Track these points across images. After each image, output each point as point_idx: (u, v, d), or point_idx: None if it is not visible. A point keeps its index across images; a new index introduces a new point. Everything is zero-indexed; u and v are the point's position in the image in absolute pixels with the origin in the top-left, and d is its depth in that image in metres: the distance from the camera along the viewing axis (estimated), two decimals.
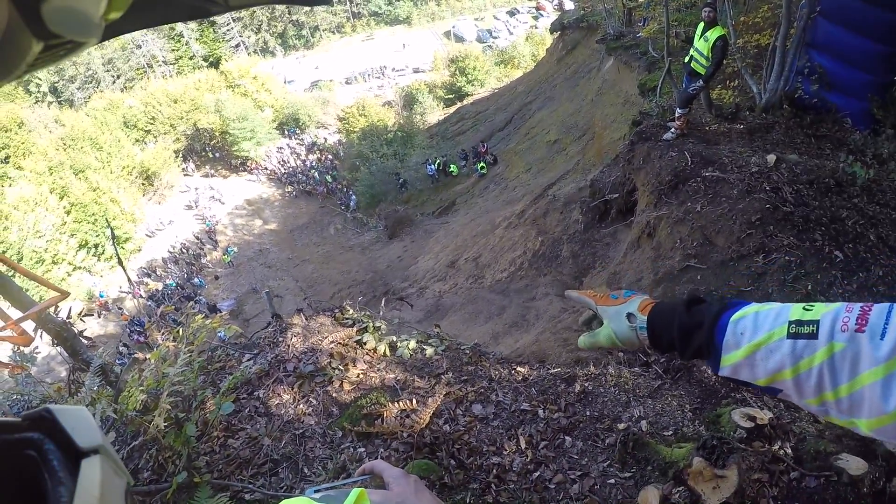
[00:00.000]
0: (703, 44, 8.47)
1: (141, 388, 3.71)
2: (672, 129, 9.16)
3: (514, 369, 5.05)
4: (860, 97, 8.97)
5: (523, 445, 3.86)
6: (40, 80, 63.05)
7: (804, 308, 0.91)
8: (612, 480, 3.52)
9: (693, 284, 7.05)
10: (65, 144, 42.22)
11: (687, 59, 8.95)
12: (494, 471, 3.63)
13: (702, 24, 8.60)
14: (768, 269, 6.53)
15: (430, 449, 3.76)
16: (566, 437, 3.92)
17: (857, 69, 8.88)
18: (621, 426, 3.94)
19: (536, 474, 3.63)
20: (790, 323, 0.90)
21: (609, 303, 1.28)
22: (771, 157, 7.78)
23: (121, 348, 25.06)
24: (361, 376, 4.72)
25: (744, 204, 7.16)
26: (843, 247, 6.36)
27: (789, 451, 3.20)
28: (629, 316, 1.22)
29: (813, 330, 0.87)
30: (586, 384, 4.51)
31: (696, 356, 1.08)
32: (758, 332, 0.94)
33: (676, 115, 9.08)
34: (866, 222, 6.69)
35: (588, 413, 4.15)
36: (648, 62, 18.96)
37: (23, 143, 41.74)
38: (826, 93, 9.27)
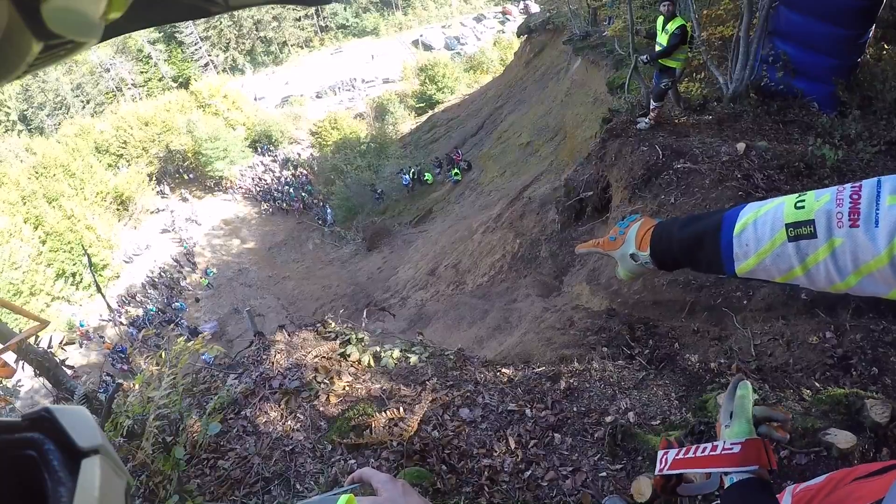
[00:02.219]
0: (665, 37, 8.57)
1: (126, 413, 3.68)
2: (646, 119, 9.25)
3: (500, 371, 5.06)
4: (825, 81, 9.11)
5: (513, 445, 3.87)
6: (9, 108, 62.42)
7: (796, 205, 0.94)
8: (604, 473, 3.54)
9: (672, 276, 7.11)
10: (37, 173, 41.78)
11: None
12: (486, 473, 3.63)
13: (661, 18, 8.70)
14: None
15: (421, 456, 3.76)
16: (555, 435, 3.93)
17: (820, 54, 9.01)
18: (609, 419, 3.97)
19: (528, 473, 3.64)
20: (787, 226, 0.93)
21: (611, 246, 1.37)
22: (741, 146, 7.88)
23: (104, 377, 24.78)
24: (347, 388, 4.71)
25: (716, 193, 7.24)
26: None
27: None
28: (632, 256, 1.29)
29: (811, 230, 0.90)
30: (571, 380, 4.53)
31: (710, 271, 1.12)
32: (761, 241, 0.98)
33: (651, 107, 9.18)
34: None
35: (575, 409, 4.18)
36: (616, 60, 19.07)
37: None
38: (791, 79, 9.40)
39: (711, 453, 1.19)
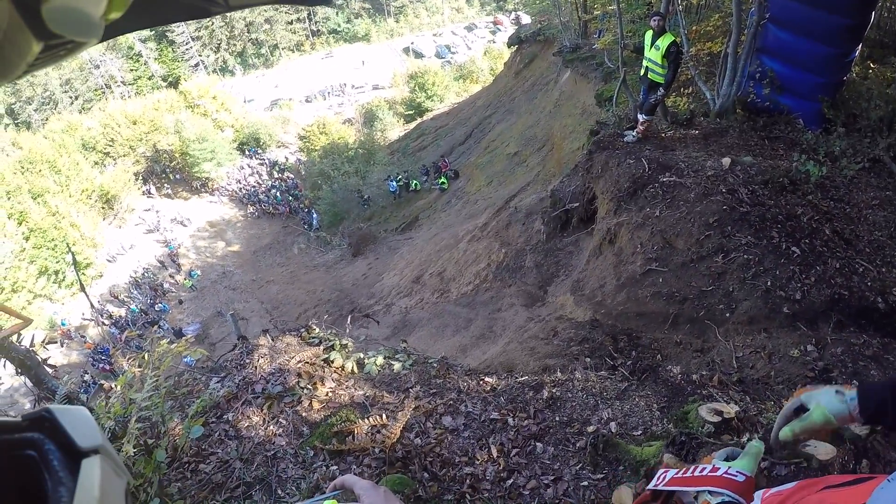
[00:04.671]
0: (655, 53, 8.62)
1: (108, 415, 3.66)
2: (634, 133, 9.31)
3: (483, 380, 5.07)
4: (811, 98, 9.22)
5: (495, 454, 3.88)
6: None
7: None
8: (586, 483, 3.55)
9: (655, 287, 7.16)
10: (22, 168, 41.03)
11: (642, 71, 9.06)
12: (468, 481, 3.64)
13: (650, 33, 8.75)
14: (728, 268, 6.66)
15: (403, 463, 3.76)
16: (537, 444, 3.95)
17: (806, 71, 9.12)
18: (591, 429, 3.99)
19: (510, 482, 3.65)
20: None
21: (811, 389, 1.45)
22: (726, 160, 7.94)
23: (85, 377, 24.52)
24: (330, 394, 4.70)
25: (701, 206, 7.29)
26: (800, 242, 6.54)
27: None
28: (838, 392, 1.37)
29: None
30: (554, 390, 4.55)
31: None
32: None
33: (640, 120, 9.23)
34: (821, 217, 6.88)
35: (557, 418, 4.19)
36: (604, 73, 19.19)
37: None
38: (778, 96, 9.51)
39: (711, 474, 1.26)
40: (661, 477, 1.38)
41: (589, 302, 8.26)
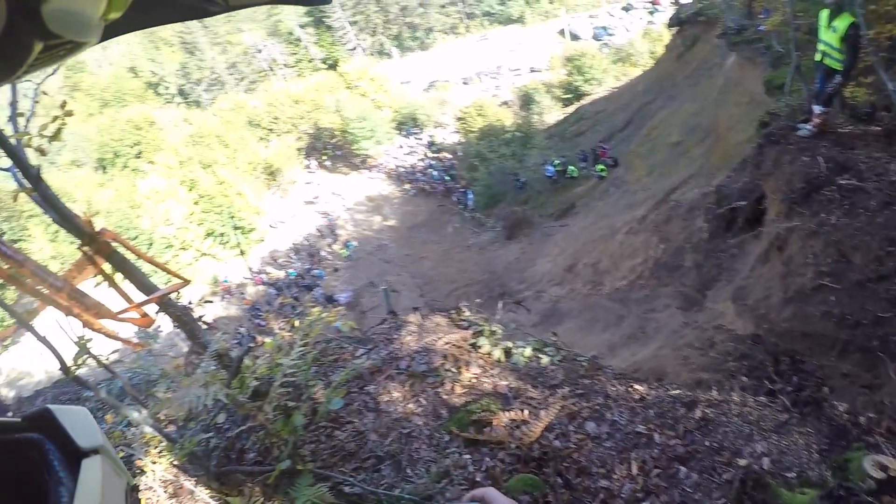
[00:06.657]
0: (831, 35, 7.88)
1: (254, 375, 3.84)
2: (808, 126, 8.63)
3: (632, 387, 4.88)
4: None
5: (635, 471, 3.71)
6: (169, 83, 69.06)
7: None
8: None
9: (826, 306, 6.56)
10: (193, 141, 45.57)
11: (818, 56, 8.36)
12: (601, 495, 3.51)
13: (825, 13, 7.99)
14: None
15: (538, 464, 3.70)
16: (681, 468, 3.73)
17: None
18: (742, 462, 3.71)
19: None
20: None
21: None
22: None
23: (241, 329, 26.38)
24: (474, 380, 4.72)
25: (883, 217, 6.61)
26: None
27: None
28: None
29: None
30: (707, 410, 4.28)
31: None
32: None
33: (815, 112, 8.54)
34: None
35: (707, 443, 3.94)
36: (773, 57, 18.11)
37: (154, 140, 45.87)
38: None
39: None
40: None
41: (751, 314, 7.76)
